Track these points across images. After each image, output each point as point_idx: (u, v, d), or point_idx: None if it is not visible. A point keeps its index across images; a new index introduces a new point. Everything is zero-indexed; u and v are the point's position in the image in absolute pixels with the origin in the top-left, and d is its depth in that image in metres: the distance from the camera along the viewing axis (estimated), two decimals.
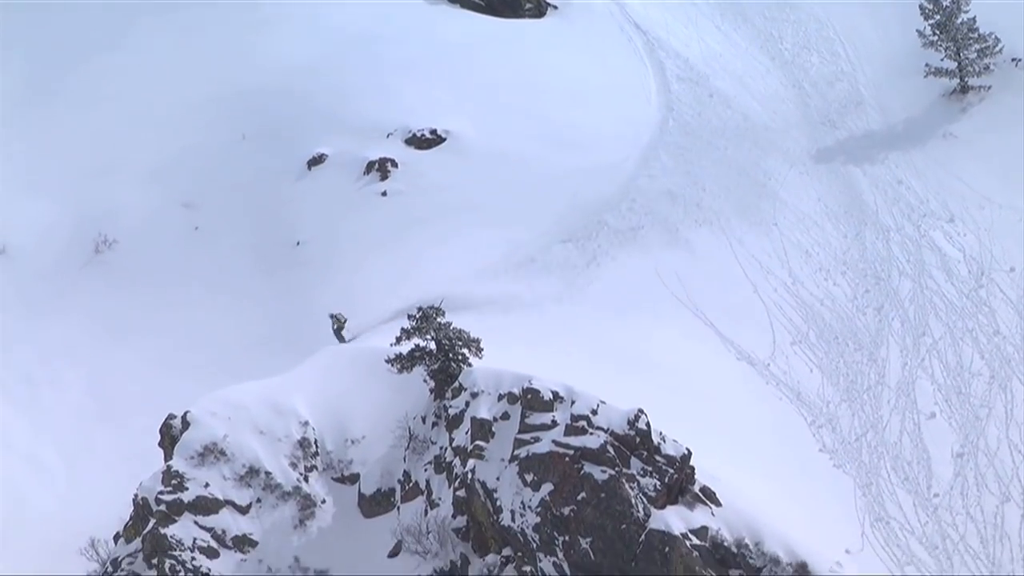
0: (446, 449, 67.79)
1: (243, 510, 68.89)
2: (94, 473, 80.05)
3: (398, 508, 68.94)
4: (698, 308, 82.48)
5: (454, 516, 65.37)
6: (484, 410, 65.85)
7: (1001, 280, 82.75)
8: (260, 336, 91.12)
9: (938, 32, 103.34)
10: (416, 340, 69.68)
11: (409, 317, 70.16)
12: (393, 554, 66.66)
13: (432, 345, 69.85)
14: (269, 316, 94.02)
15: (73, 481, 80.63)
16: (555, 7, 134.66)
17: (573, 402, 64.16)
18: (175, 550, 66.34)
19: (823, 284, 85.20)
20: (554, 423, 63.72)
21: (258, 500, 69.46)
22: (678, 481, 62.87)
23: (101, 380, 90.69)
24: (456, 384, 68.60)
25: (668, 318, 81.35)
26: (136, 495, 69.06)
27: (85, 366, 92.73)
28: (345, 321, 72.31)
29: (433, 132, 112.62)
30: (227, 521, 68.11)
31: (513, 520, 62.76)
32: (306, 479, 70.80)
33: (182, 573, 65.72)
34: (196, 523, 67.45)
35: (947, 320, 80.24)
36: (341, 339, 72.27)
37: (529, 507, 62.49)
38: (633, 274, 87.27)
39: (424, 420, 70.59)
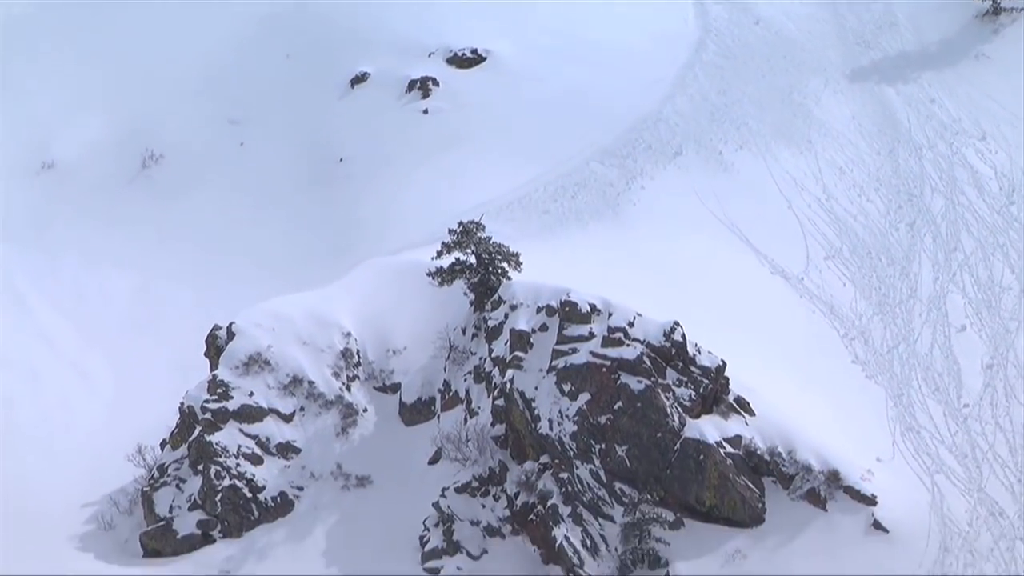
0: (485, 360, 67.95)
1: (287, 418, 69.20)
2: (141, 381, 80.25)
3: (438, 417, 69.21)
4: (734, 224, 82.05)
5: (493, 425, 65.57)
6: (523, 322, 65.93)
7: None
8: (304, 250, 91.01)
9: None
10: (456, 254, 69.60)
11: (450, 232, 69.95)
12: (433, 461, 67.02)
13: (472, 259, 69.77)
14: (313, 230, 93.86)
15: (120, 389, 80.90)
16: None
17: (610, 314, 64.20)
18: (220, 456, 66.80)
19: (857, 200, 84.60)
20: (591, 335, 63.82)
21: (301, 409, 69.71)
22: (713, 391, 63.12)
23: (148, 291, 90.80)
24: (495, 297, 68.68)
25: (705, 234, 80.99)
26: (182, 403, 69.59)
27: (133, 277, 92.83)
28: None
29: (474, 52, 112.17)
30: (271, 429, 68.49)
31: (551, 428, 63.04)
32: (348, 388, 71.04)
33: (227, 479, 66.17)
34: (241, 431, 67.91)
35: (978, 235, 79.64)
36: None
37: (567, 416, 62.80)
38: (671, 192, 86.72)
39: (464, 332, 70.75)
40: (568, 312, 64.49)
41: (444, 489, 63.79)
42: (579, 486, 62.14)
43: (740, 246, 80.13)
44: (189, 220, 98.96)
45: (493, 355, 67.19)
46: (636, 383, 62.23)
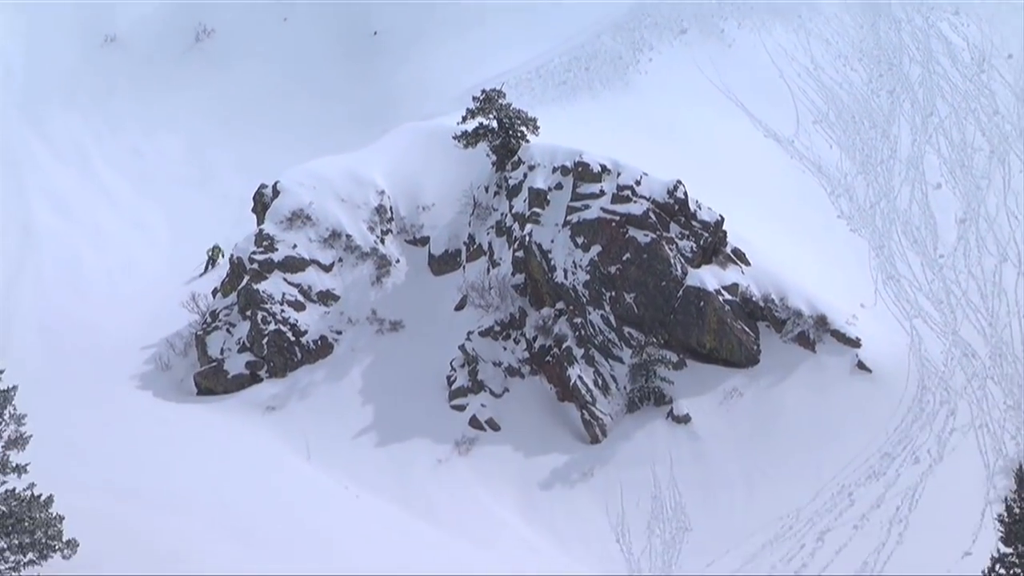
0: (506, 215, 66.82)
1: (326, 268, 68.17)
2: (194, 235, 78.75)
3: (463, 267, 68.06)
4: (732, 93, 79.57)
5: (513, 274, 64.64)
6: (540, 181, 64.92)
7: (1000, 66, 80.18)
8: (341, 117, 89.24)
9: None
10: (480, 119, 67.98)
11: (474, 99, 68.39)
12: (459, 307, 66.07)
13: (494, 124, 68.17)
14: (349, 99, 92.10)
15: (176, 242, 79.67)
16: None
17: (619, 174, 63.18)
18: (266, 303, 65.98)
19: (842, 70, 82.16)
20: (602, 192, 63.01)
21: (340, 260, 68.60)
22: (712, 243, 62.33)
23: (200, 153, 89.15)
24: (515, 158, 67.44)
25: (706, 102, 78.57)
26: (231, 255, 68.80)
27: (185, 140, 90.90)
28: (219, 249, 67.55)
29: None
30: (312, 278, 67.50)
31: (565, 278, 62.56)
32: (382, 241, 69.78)
33: (272, 324, 65.42)
34: (285, 280, 66.95)
35: (952, 101, 77.69)
36: (207, 269, 67.75)
37: (580, 266, 62.37)
38: (676, 65, 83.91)
39: (487, 190, 69.27)
40: (581, 172, 63.62)
41: (469, 333, 63.21)
42: (591, 330, 61.66)
43: (737, 112, 78.03)
44: (237, 90, 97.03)
45: (513, 211, 66.14)
46: (643, 236, 61.73)
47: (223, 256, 63.27)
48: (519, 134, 67.81)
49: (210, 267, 66.29)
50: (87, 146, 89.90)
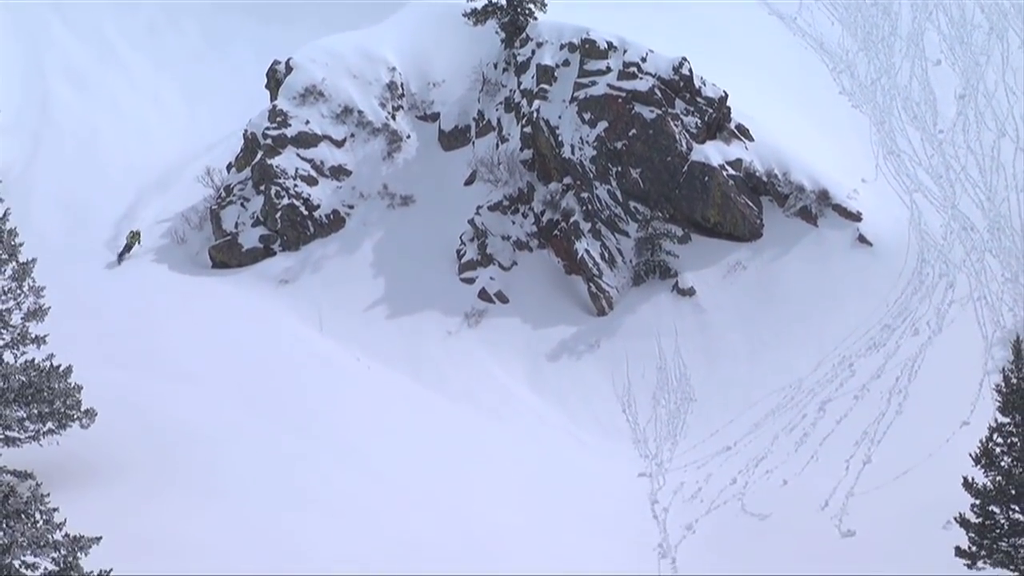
0: (515, 92, 65.57)
1: (339, 144, 66.84)
2: (210, 111, 77.09)
3: (473, 143, 66.72)
4: None
5: (521, 150, 63.52)
6: (548, 58, 63.64)
7: None
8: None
9: None
10: None
11: None
12: (468, 182, 64.87)
13: (503, 1, 66.66)
14: None
15: (192, 117, 77.86)
16: None
17: (625, 51, 61.88)
18: (280, 178, 64.88)
19: None
20: (608, 69, 61.73)
21: (352, 135, 67.28)
22: (716, 119, 61.11)
23: (215, 30, 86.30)
24: (524, 35, 66.05)
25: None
26: (246, 131, 67.47)
27: (202, 17, 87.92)
28: (138, 239, 63.43)
29: None
30: (325, 153, 66.26)
31: (573, 153, 61.50)
32: (393, 117, 68.41)
33: (286, 198, 64.38)
34: (298, 155, 65.82)
35: None
36: (121, 258, 62.92)
37: (587, 142, 61.25)
38: None
39: (496, 67, 67.80)
40: (588, 49, 62.36)
41: (478, 207, 62.39)
42: (598, 205, 60.83)
43: None
44: None
45: (521, 87, 65.08)
46: (648, 112, 60.65)
47: (140, 243, 61.01)
48: (527, 11, 66.32)
49: (126, 254, 62.55)
50: (104, 22, 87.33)
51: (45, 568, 27.18)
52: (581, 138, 61.12)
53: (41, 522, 27.03)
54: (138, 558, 36.36)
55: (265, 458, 46.76)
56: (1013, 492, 34.79)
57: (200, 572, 38.78)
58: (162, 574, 36.63)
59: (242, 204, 65.07)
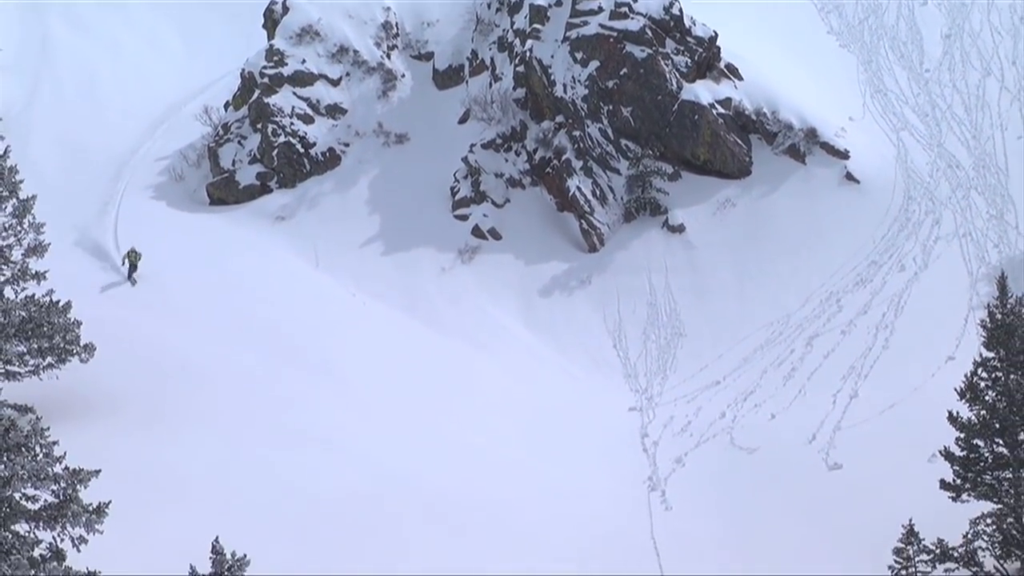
0: (508, 31, 64.82)
1: (334, 83, 66.32)
2: (207, 51, 75.99)
3: (466, 82, 66.16)
4: None
5: (514, 88, 62.86)
6: None
7: None
8: None
9: None
10: None
11: None
12: (462, 120, 64.32)
13: None
14: None
15: (189, 57, 76.79)
16: None
17: None
18: (276, 116, 64.39)
19: None
20: (600, 9, 61.16)
21: (347, 74, 66.72)
22: (706, 59, 60.64)
23: None
24: None
25: None
26: (243, 70, 66.79)
27: None
28: (140, 257, 58.41)
29: None
30: (321, 92, 65.72)
31: (565, 92, 60.93)
32: (388, 56, 67.82)
33: (282, 136, 63.85)
34: (294, 94, 65.26)
35: None
36: (132, 279, 57.98)
37: (579, 81, 60.73)
38: None
39: (489, 6, 67.04)
40: None
41: (472, 145, 61.81)
42: (590, 143, 60.25)
43: None
44: None
45: (514, 27, 64.38)
46: (639, 52, 60.18)
47: (140, 259, 57.52)
48: None
49: (134, 273, 58.25)
50: None
51: (45, 500, 26.89)
52: (573, 77, 60.56)
53: (41, 455, 26.69)
54: (138, 492, 36.17)
55: (260, 391, 46.59)
56: (997, 426, 34.69)
57: (197, 503, 38.71)
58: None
59: (239, 142, 64.44)
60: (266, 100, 64.35)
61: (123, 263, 48.20)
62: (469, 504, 41.01)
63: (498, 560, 38.21)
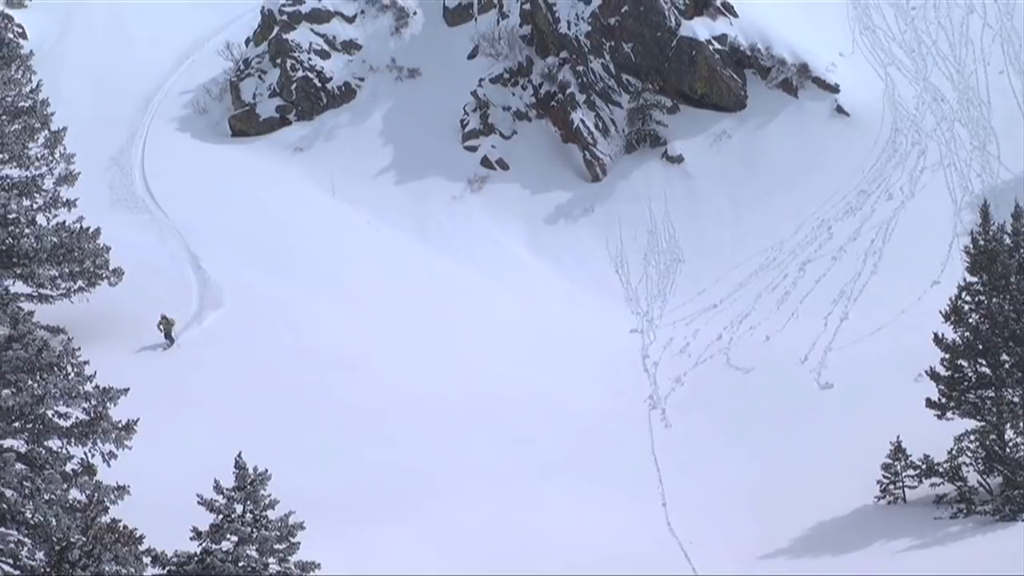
0: None
1: (350, 20, 65.59)
2: None
3: (475, 19, 65.17)
4: None
5: (521, 25, 62.21)
6: None
7: None
8: None
9: None
10: None
11: None
12: (471, 56, 63.48)
13: None
14: None
15: (216, 2, 74.41)
16: None
17: None
18: (295, 52, 63.79)
19: None
20: None
21: (361, 12, 65.99)
22: None
23: None
24: None
25: None
26: (263, 7, 66.10)
27: None
28: (173, 323, 54.52)
29: None
30: (337, 29, 65.04)
31: (569, 29, 60.22)
32: None
33: (300, 71, 63.35)
34: (312, 30, 64.54)
35: None
36: (169, 341, 53.92)
37: (582, 18, 60.00)
38: None
39: None
40: None
41: (480, 80, 61.28)
42: (592, 77, 59.59)
43: None
44: None
45: None
46: None
47: (173, 326, 53.62)
48: None
49: (170, 338, 54.20)
50: None
51: (76, 417, 26.54)
52: (576, 14, 59.84)
53: (72, 374, 26.33)
54: (163, 410, 35.96)
55: (277, 314, 46.71)
56: (980, 347, 34.46)
57: (219, 421, 38.63)
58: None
59: (259, 76, 63.93)
60: (285, 36, 63.74)
61: (159, 329, 47.07)
62: (477, 419, 41.23)
63: (504, 464, 38.62)
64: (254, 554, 25.86)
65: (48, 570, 25.10)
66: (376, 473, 37.66)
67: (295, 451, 36.56)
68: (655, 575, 31.75)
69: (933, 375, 34.74)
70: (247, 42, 66.85)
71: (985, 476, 34.37)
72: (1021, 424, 34.25)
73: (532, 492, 37.35)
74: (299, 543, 26.13)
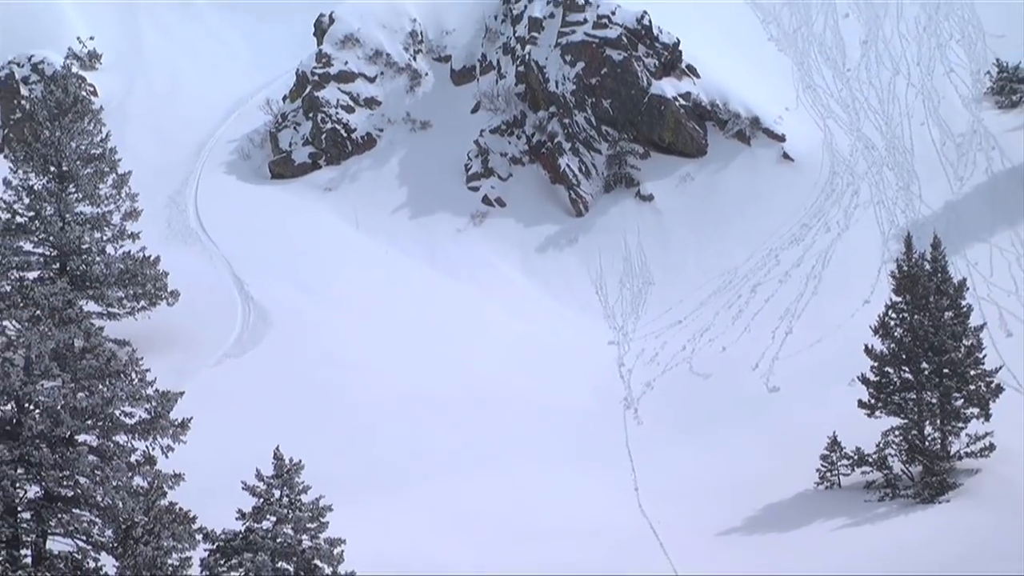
0: (511, 38, 63.60)
1: (371, 80, 65.14)
2: (269, 55, 73.40)
3: (477, 79, 64.77)
4: None
5: (516, 84, 61.88)
6: (537, 11, 61.84)
7: None
8: None
9: None
10: None
11: None
12: (474, 110, 63.21)
13: None
14: None
15: (254, 58, 74.03)
16: None
17: (598, 6, 60.37)
18: (324, 107, 63.47)
19: None
20: (585, 20, 60.21)
21: (381, 73, 65.47)
22: (670, 60, 59.55)
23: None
24: None
25: None
26: (298, 69, 65.93)
27: None
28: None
29: None
30: (360, 87, 64.60)
31: (556, 87, 60.01)
32: (414, 59, 66.54)
33: (329, 123, 62.95)
34: (339, 89, 64.17)
35: None
36: None
37: (568, 78, 59.79)
38: None
39: (496, 18, 65.65)
40: (569, 4, 60.87)
41: (482, 130, 60.95)
42: (576, 128, 59.34)
43: None
44: None
45: (516, 35, 63.21)
46: (617, 55, 59.40)
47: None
48: None
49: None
50: None
51: (139, 416, 26.67)
52: (563, 75, 59.61)
53: (136, 380, 26.46)
54: (213, 409, 35.91)
55: (310, 327, 47.24)
56: (904, 356, 34.77)
57: (259, 418, 38.86)
58: None
59: (294, 128, 63.48)
60: (316, 94, 63.56)
61: None
62: (474, 413, 41.70)
63: (495, 450, 39.33)
64: (290, 532, 25.98)
65: (116, 545, 25.22)
66: (385, 454, 38.56)
67: (319, 437, 37.10)
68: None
69: (864, 380, 35.00)
70: (284, 99, 66.56)
71: (907, 465, 34.55)
72: (938, 421, 34.54)
73: (520, 472, 37.76)
74: (328, 522, 26.22)
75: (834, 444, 34.92)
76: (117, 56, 73.71)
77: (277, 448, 26.18)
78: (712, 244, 53.26)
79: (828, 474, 35.12)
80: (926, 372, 34.33)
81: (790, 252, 51.30)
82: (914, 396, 34.48)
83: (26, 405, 24.99)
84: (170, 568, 25.09)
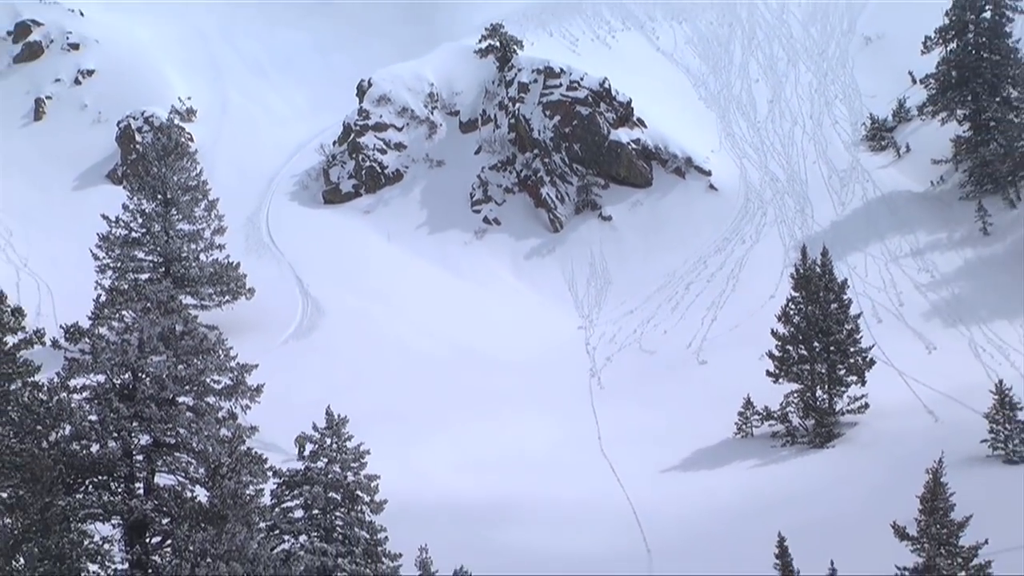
0: (505, 98, 62.95)
1: (399, 129, 64.42)
2: (324, 108, 71.62)
3: (479, 129, 64.02)
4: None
5: (508, 132, 61.30)
6: (524, 77, 61.54)
7: (792, 1, 72.97)
8: (408, 39, 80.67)
9: None
10: (488, 41, 65.16)
11: (485, 30, 65.68)
12: (477, 152, 62.44)
13: (497, 43, 64.78)
14: (415, 29, 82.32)
15: (313, 112, 72.24)
16: None
17: (571, 74, 60.05)
18: (364, 150, 62.71)
19: (701, 15, 74.37)
20: (561, 84, 59.89)
21: (407, 124, 64.77)
22: (625, 114, 58.99)
23: (326, 55, 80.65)
24: (510, 64, 63.70)
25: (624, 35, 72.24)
26: (344, 121, 65.29)
27: (313, 42, 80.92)
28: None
29: None
30: (391, 135, 63.90)
31: (539, 135, 59.52)
32: (432, 113, 65.70)
33: (367, 162, 62.24)
34: (375, 136, 63.50)
35: (764, 29, 71.18)
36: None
37: (547, 128, 59.35)
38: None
39: (494, 82, 65.01)
40: (548, 73, 60.68)
41: (483, 167, 60.52)
42: (554, 166, 58.88)
43: (641, 39, 71.67)
44: (350, 27, 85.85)
45: (509, 95, 62.64)
46: (585, 110, 59.02)
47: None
48: (512, 50, 64.23)
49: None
50: (260, 52, 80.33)
51: (225, 383, 26.43)
52: (544, 126, 59.25)
53: (222, 355, 26.17)
54: (282, 377, 35.69)
55: (355, 317, 47.02)
56: (800, 337, 34.77)
57: (321, 379, 38.67)
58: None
59: (342, 165, 62.86)
60: (358, 140, 63.02)
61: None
62: (473, 374, 42.35)
63: (489, 401, 39.76)
64: (338, 470, 25.98)
65: (206, 480, 25.09)
66: (409, 409, 39.04)
67: (361, 393, 37.45)
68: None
69: (771, 355, 35.10)
70: (334, 143, 65.59)
71: (803, 420, 34.61)
72: (826, 386, 34.65)
73: (507, 419, 38.17)
74: (367, 463, 26.22)
75: (748, 404, 35.05)
76: (209, 111, 73.20)
77: (328, 407, 26.21)
78: (656, 253, 53.18)
79: (744, 426, 35.23)
80: (817, 349, 34.45)
81: (715, 259, 51.31)
82: (808, 367, 34.58)
83: (140, 374, 24.86)
84: (248, 497, 25.01)
